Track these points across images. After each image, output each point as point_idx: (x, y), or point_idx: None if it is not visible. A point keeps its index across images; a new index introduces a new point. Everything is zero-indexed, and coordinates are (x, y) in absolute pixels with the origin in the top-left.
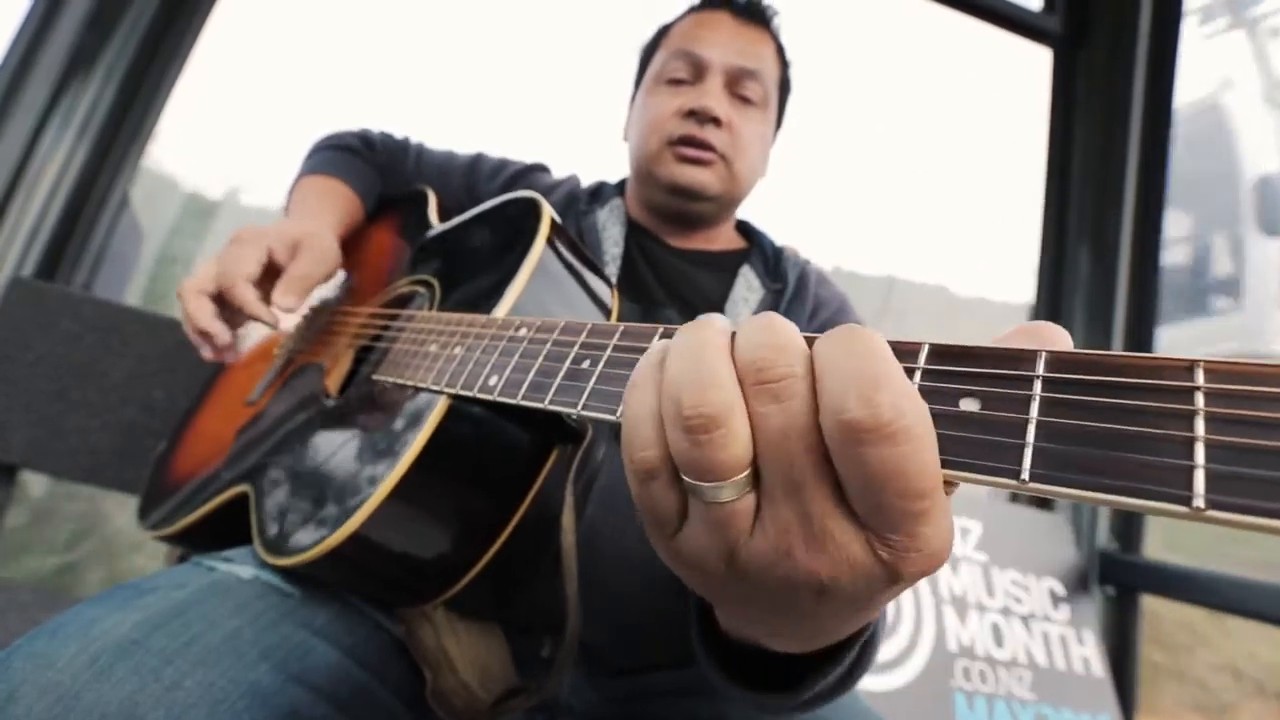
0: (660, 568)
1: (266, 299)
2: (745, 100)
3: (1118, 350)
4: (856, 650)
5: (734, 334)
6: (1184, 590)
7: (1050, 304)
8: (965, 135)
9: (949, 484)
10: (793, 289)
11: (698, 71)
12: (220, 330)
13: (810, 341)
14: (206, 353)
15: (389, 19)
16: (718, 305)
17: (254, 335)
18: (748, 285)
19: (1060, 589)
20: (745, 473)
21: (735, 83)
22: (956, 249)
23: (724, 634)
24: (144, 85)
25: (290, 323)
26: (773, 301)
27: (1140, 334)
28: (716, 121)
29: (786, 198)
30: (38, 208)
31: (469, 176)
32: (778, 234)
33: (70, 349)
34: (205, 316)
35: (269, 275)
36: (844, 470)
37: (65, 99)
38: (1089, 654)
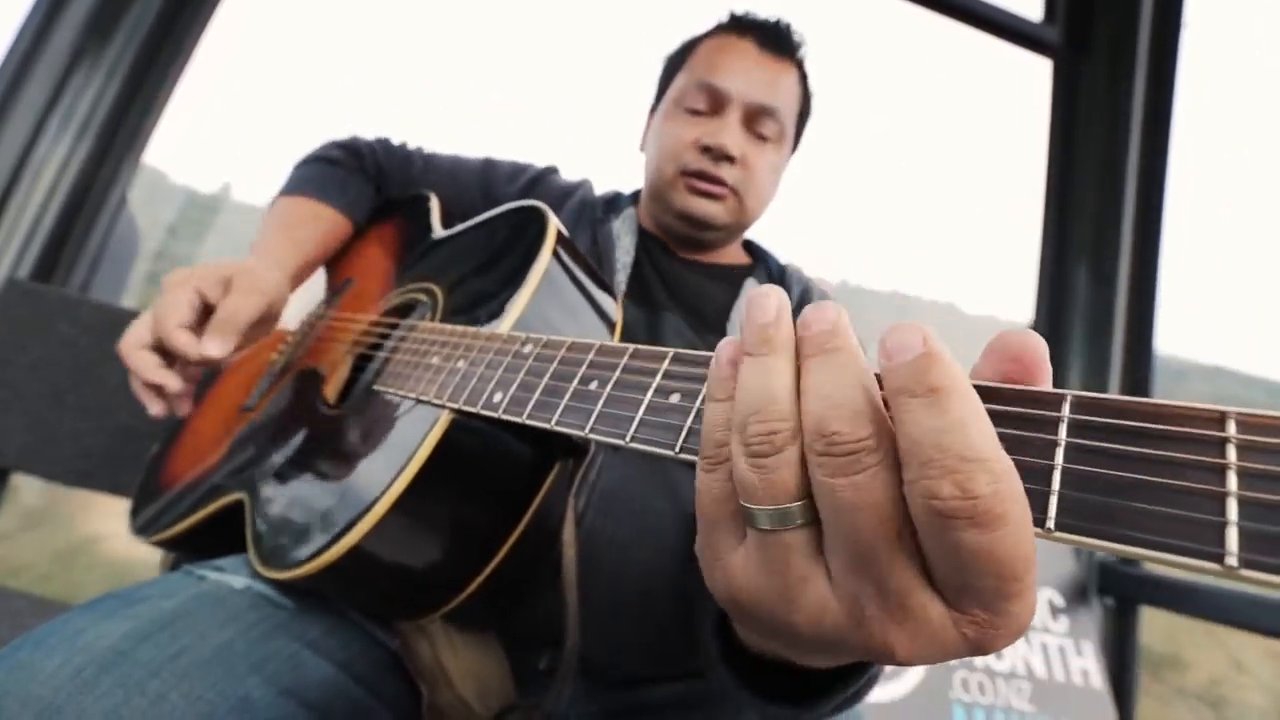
0: (660, 576)
1: None
2: (761, 138)
3: (1118, 367)
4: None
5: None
6: (1183, 602)
7: (1049, 322)
8: (976, 150)
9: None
10: (796, 305)
11: (716, 104)
12: (169, 379)
13: (879, 379)
14: (156, 408)
15: (383, 17)
16: (723, 313)
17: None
18: None
19: (1059, 600)
20: (796, 506)
21: (753, 120)
22: (966, 266)
23: (739, 641)
24: (145, 86)
25: (292, 325)
26: None
27: (1138, 353)
28: (730, 159)
29: (794, 212)
30: (35, 208)
31: (485, 181)
32: (785, 248)
33: (66, 352)
34: (149, 368)
35: (206, 316)
36: (931, 549)
37: (65, 98)
38: (1088, 665)
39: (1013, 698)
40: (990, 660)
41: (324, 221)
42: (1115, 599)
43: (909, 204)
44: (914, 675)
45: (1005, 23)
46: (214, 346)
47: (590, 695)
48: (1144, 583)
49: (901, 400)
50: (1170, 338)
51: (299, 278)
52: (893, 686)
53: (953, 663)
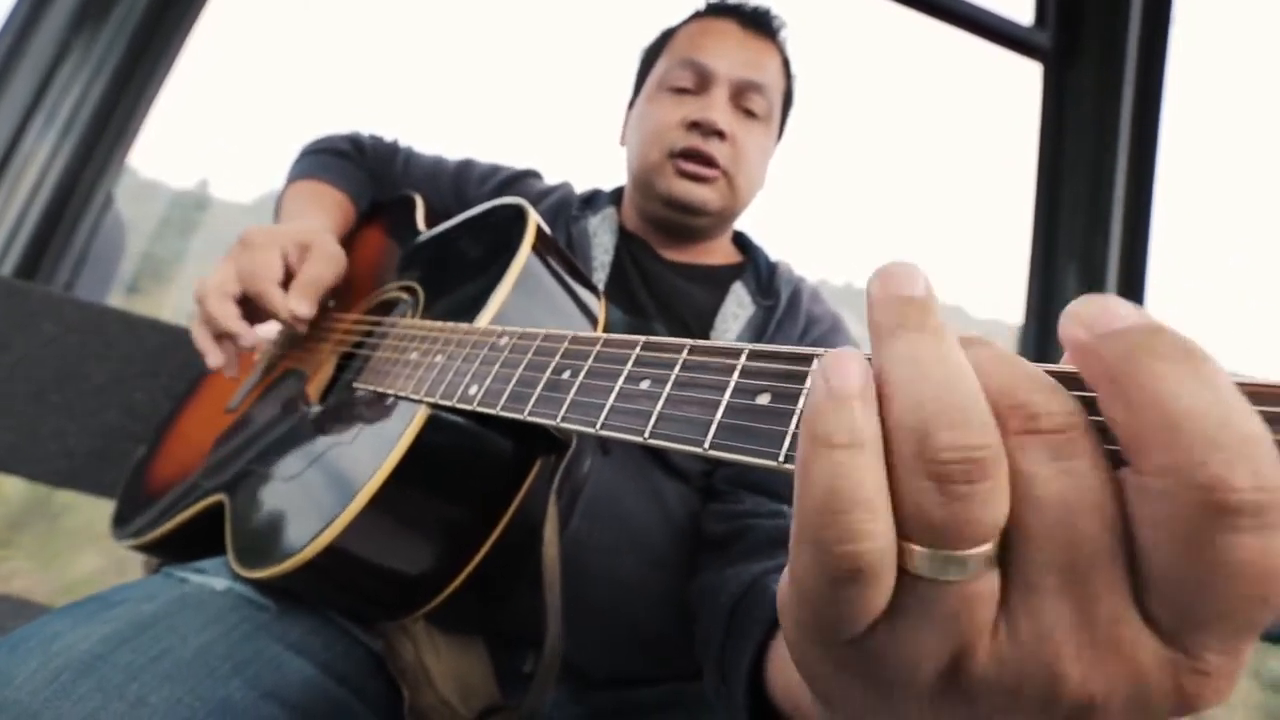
0: (645, 581)
1: None
2: (749, 113)
3: None
4: None
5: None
6: None
7: (1039, 323)
8: (976, 152)
9: None
10: (784, 306)
11: (702, 81)
12: (247, 331)
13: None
14: (216, 359)
15: (365, 17)
16: (707, 319)
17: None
18: (738, 301)
19: None
20: (992, 543)
21: (740, 95)
22: (972, 269)
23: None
24: (131, 82)
25: (274, 328)
26: (764, 318)
27: None
28: (720, 135)
29: (798, 216)
30: (19, 205)
31: (457, 182)
32: (783, 251)
33: (50, 351)
34: (231, 317)
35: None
36: (1165, 562)
37: (51, 94)
38: None
39: None
40: None
41: (342, 207)
42: None
43: (910, 206)
44: None
45: (996, 26)
46: (303, 306)
47: (575, 696)
48: None
49: (1142, 363)
50: None
51: None
52: None
53: None
